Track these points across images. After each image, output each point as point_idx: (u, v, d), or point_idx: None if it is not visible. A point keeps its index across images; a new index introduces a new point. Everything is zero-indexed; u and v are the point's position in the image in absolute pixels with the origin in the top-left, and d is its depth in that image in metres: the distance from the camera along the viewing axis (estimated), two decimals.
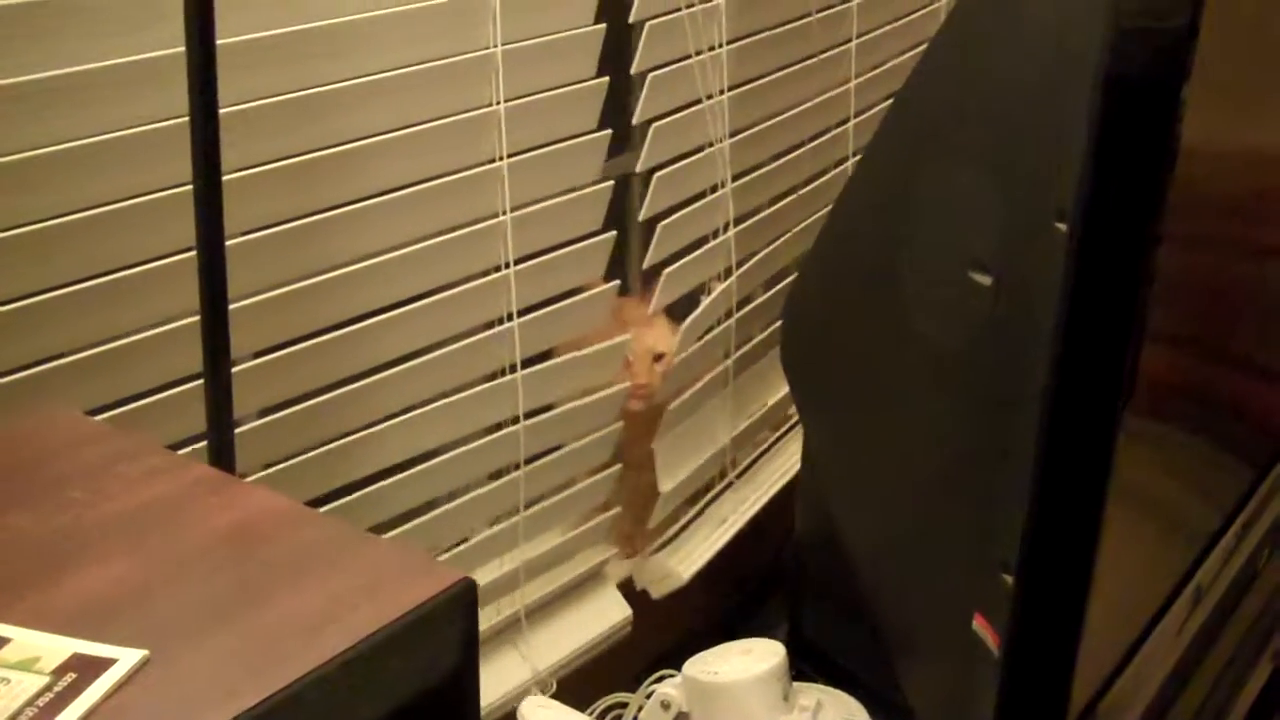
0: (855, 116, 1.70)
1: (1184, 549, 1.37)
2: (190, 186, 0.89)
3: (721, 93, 1.41)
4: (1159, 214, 0.98)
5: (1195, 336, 1.25)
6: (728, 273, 1.48)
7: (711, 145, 1.42)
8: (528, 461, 1.28)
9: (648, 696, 1.18)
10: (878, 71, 1.73)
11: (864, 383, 1.21)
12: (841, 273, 1.21)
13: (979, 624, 1.11)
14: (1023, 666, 1.09)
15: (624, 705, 1.23)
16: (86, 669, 0.60)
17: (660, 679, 1.18)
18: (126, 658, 0.61)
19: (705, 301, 1.45)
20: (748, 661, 1.15)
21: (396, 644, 0.63)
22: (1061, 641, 1.10)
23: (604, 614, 1.42)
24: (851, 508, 1.27)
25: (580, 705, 1.25)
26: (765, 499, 1.62)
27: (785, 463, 1.69)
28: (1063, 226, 0.95)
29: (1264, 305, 1.42)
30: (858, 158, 1.71)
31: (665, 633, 1.57)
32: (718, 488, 1.59)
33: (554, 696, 1.31)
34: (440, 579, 0.66)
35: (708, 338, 1.48)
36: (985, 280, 1.04)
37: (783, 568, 1.50)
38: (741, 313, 1.53)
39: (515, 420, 1.25)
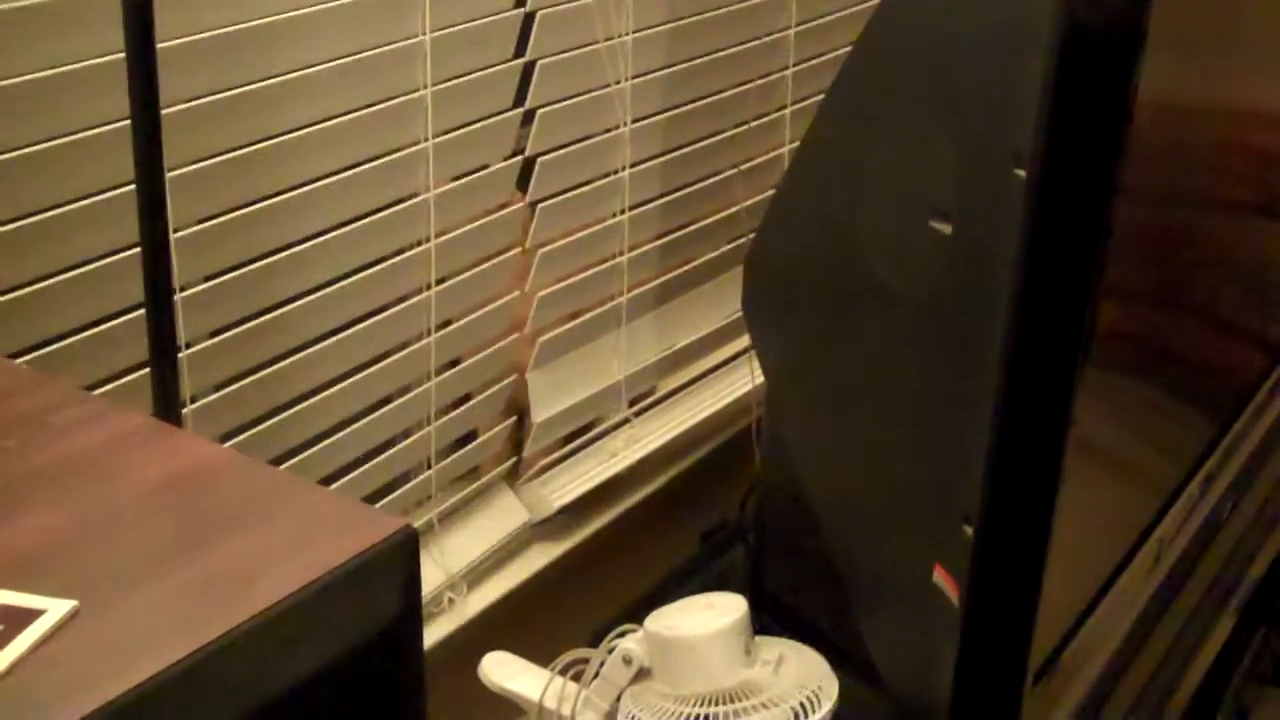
0: (792, 66, 1.68)
1: (1146, 501, 1.37)
2: (121, 124, 0.87)
3: (624, 35, 1.39)
4: (1118, 160, 0.97)
5: (1157, 287, 1.24)
6: (621, 213, 1.48)
7: (609, 86, 1.40)
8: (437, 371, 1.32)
9: (609, 652, 1.17)
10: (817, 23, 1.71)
11: (826, 333, 1.20)
12: (803, 222, 1.20)
13: (939, 575, 1.11)
14: (983, 619, 1.09)
15: (585, 661, 1.23)
16: (14, 620, 0.59)
17: (622, 634, 1.18)
18: (55, 609, 0.59)
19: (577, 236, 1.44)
20: (709, 616, 1.14)
21: (333, 594, 0.62)
22: (1022, 593, 1.10)
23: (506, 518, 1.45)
24: (814, 459, 1.26)
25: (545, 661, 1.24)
26: (666, 439, 1.60)
27: (702, 402, 1.68)
28: (1021, 173, 0.94)
29: (1227, 256, 1.42)
30: (795, 107, 1.70)
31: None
32: (609, 422, 1.57)
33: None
34: (380, 528, 0.65)
35: (589, 273, 1.46)
36: (946, 229, 1.03)
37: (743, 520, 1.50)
38: (634, 253, 1.50)
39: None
